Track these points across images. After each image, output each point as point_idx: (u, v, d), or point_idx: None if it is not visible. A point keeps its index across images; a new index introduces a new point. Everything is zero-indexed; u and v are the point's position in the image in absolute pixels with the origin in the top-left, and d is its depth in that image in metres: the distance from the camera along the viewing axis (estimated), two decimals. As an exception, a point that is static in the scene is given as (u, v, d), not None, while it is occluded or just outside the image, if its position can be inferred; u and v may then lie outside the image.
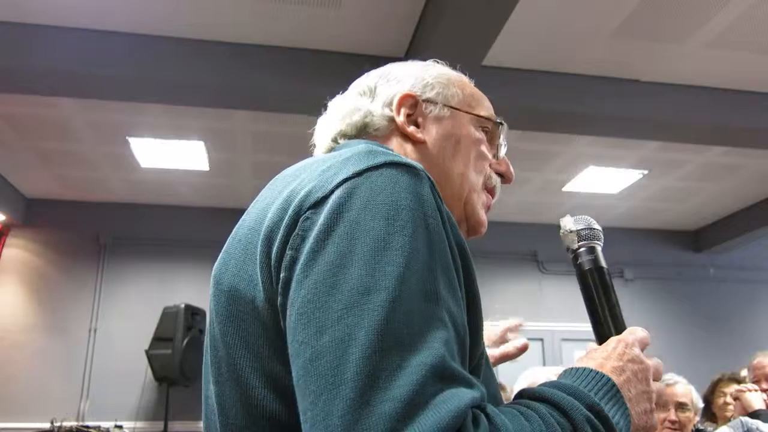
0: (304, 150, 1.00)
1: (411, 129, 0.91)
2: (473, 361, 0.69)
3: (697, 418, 2.90)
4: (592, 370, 0.71)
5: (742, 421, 2.59)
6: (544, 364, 6.02)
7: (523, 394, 0.68)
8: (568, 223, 0.90)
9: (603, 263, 0.87)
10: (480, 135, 0.94)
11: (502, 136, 0.97)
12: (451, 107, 0.93)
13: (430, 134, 0.91)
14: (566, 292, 6.37)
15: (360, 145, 0.78)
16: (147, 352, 5.47)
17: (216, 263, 0.78)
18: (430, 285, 0.61)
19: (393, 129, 0.91)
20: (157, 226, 6.29)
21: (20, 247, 6.09)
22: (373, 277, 0.59)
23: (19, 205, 6.11)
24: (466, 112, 0.93)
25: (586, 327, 0.88)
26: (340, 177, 0.67)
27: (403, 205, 0.64)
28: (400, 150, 0.89)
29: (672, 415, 2.78)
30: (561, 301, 6.46)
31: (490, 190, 0.96)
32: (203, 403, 0.79)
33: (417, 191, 0.66)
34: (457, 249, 0.69)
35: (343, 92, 0.98)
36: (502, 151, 0.97)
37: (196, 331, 5.46)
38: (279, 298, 0.66)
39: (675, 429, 2.77)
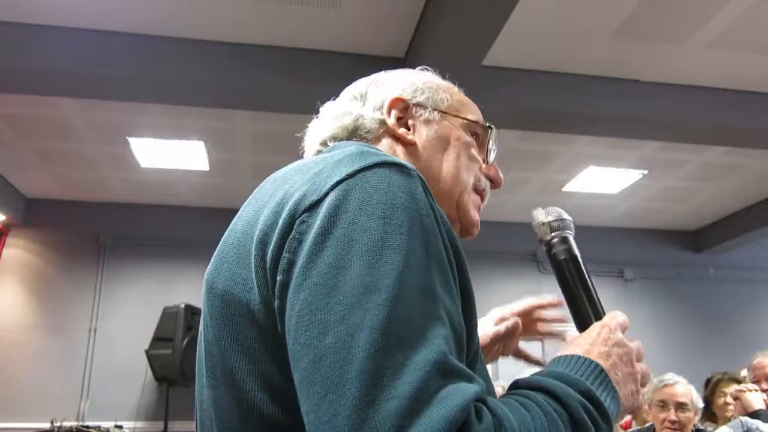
0: (305, 150, 1.00)
1: (402, 131, 0.92)
2: (469, 356, 0.69)
3: (697, 418, 2.90)
4: (580, 356, 0.73)
5: (742, 421, 2.59)
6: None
7: (518, 384, 0.69)
8: (539, 215, 0.92)
9: (576, 252, 0.89)
10: (469, 139, 0.95)
11: (491, 141, 0.98)
12: (441, 111, 0.94)
13: (421, 136, 0.92)
14: (566, 292, 6.35)
15: (350, 147, 0.78)
16: (147, 352, 5.47)
17: (208, 267, 0.78)
18: (428, 283, 0.62)
19: (383, 131, 0.92)
20: (156, 226, 6.29)
21: (20, 247, 6.09)
22: (373, 277, 0.60)
23: (19, 205, 6.11)
24: (455, 116, 0.95)
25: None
26: (334, 179, 0.68)
27: (398, 204, 0.65)
28: (391, 151, 0.90)
29: (672, 415, 2.78)
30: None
31: (480, 192, 0.97)
32: (197, 408, 0.79)
33: (410, 190, 0.67)
34: (451, 247, 0.70)
35: (335, 98, 0.99)
36: (492, 156, 0.99)
37: (196, 331, 5.45)
38: (276, 302, 0.66)
39: (675, 429, 2.77)
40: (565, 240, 0.90)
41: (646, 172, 5.79)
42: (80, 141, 5.08)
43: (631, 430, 4.13)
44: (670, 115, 4.40)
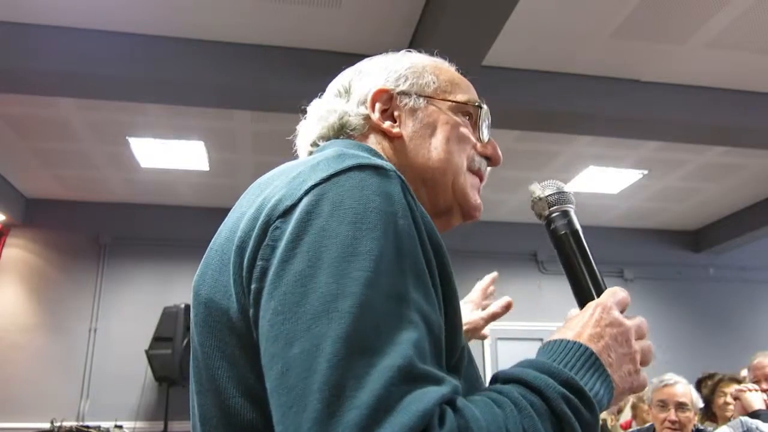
0: (305, 150, 1.00)
1: (386, 125, 0.90)
2: (453, 358, 0.69)
3: (697, 418, 2.90)
4: (568, 341, 0.71)
5: (742, 421, 2.59)
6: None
7: (497, 378, 0.68)
8: (536, 190, 0.88)
9: (577, 226, 0.85)
10: (459, 119, 0.92)
11: (484, 119, 0.95)
12: (427, 96, 0.92)
13: (407, 127, 0.90)
14: (566, 292, 6.30)
15: (329, 150, 0.77)
16: (147, 352, 5.47)
17: (196, 273, 0.78)
18: (400, 287, 0.61)
19: (370, 127, 0.91)
20: (157, 226, 6.29)
21: (20, 247, 6.09)
22: (340, 284, 0.59)
23: (19, 205, 6.11)
24: (442, 99, 0.92)
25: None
26: (309, 184, 0.67)
27: (371, 208, 0.64)
28: (379, 147, 0.89)
29: (672, 415, 2.79)
30: (561, 301, 6.46)
31: (476, 172, 0.94)
32: (190, 413, 0.79)
33: (386, 192, 0.66)
34: (433, 247, 0.69)
35: (321, 94, 0.98)
36: (486, 133, 0.95)
37: (196, 332, 5.46)
38: (251, 310, 0.66)
39: (675, 429, 2.77)
40: (565, 214, 0.85)
41: (646, 172, 5.79)
42: (80, 141, 5.08)
43: (631, 430, 4.13)
44: (670, 115, 4.40)
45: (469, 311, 1.20)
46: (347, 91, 0.94)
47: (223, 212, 0.81)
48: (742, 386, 2.92)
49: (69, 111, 4.60)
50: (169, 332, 5.40)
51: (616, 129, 4.59)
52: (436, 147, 0.89)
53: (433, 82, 0.93)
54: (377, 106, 0.91)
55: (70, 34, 3.73)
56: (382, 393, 0.54)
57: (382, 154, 0.87)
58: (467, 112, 0.94)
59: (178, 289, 5.80)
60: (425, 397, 0.55)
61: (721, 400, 3.42)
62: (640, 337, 0.77)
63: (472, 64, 3.60)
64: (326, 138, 0.92)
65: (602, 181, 5.99)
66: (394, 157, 0.89)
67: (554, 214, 0.86)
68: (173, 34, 3.82)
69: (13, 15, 3.63)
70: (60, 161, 5.46)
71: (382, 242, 0.62)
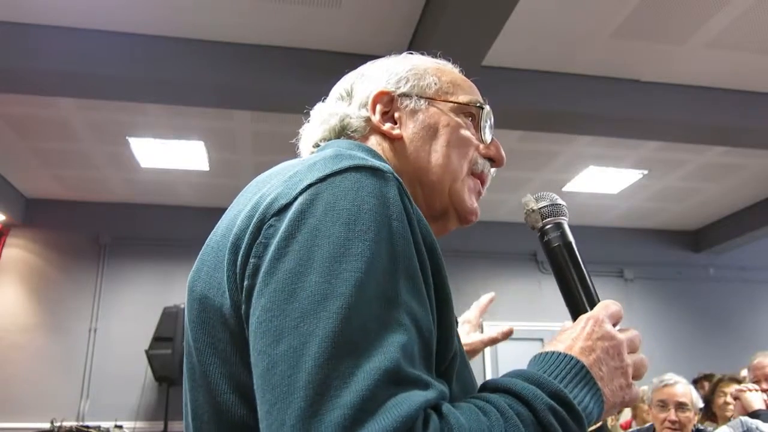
0: (305, 150, 1.00)
1: (386, 127, 0.90)
2: (444, 362, 0.68)
3: (697, 418, 2.90)
4: (560, 353, 0.71)
5: (742, 421, 2.59)
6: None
7: (486, 386, 0.68)
8: (529, 202, 0.88)
9: (571, 238, 0.85)
10: (461, 120, 0.91)
11: (486, 119, 0.95)
12: (428, 98, 0.91)
13: (407, 129, 0.90)
14: (566, 292, 6.35)
15: (327, 150, 0.78)
16: (147, 352, 5.47)
17: (192, 270, 0.79)
18: (390, 289, 0.61)
19: (370, 129, 0.91)
20: (157, 226, 6.29)
21: (20, 247, 6.09)
22: (330, 284, 0.60)
23: (19, 205, 6.11)
24: (444, 101, 0.92)
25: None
26: (304, 183, 0.67)
27: (365, 209, 0.64)
28: (379, 148, 0.89)
29: (672, 415, 2.79)
30: (561, 302, 6.43)
31: (479, 175, 0.93)
32: (183, 409, 0.79)
33: (382, 194, 0.66)
34: (428, 250, 0.69)
35: (324, 98, 0.98)
36: (488, 134, 0.94)
37: (196, 331, 5.46)
38: (243, 306, 0.66)
39: (675, 429, 2.77)
40: (558, 226, 0.85)
41: (646, 172, 5.79)
42: (80, 141, 5.08)
43: (631, 430, 4.14)
44: (670, 115, 4.40)
45: (466, 332, 1.20)
46: (349, 94, 0.95)
47: (223, 212, 0.81)
48: (742, 386, 2.92)
49: (69, 111, 4.60)
50: (169, 332, 5.41)
51: (616, 129, 4.59)
52: (435, 150, 0.89)
53: (435, 84, 0.93)
54: (378, 108, 0.91)
55: (70, 34, 3.73)
56: (367, 394, 0.54)
57: (382, 155, 0.87)
58: (470, 113, 0.93)
59: (178, 289, 5.80)
60: (410, 400, 0.55)
61: (721, 400, 3.43)
62: (633, 350, 0.76)
63: (472, 64, 3.60)
64: (327, 140, 0.92)
65: (602, 181, 5.99)
66: (394, 158, 0.89)
67: (547, 226, 0.86)
68: (173, 34, 3.82)
69: (13, 15, 3.63)
70: (60, 161, 5.46)
71: (375, 244, 0.62)
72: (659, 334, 6.88)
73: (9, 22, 3.67)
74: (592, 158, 5.54)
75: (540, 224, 0.87)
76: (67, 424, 5.36)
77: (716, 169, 5.75)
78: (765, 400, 2.76)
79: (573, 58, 4.12)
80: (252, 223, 0.68)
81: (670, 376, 2.91)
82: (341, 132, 0.92)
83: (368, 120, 0.91)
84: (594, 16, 3.68)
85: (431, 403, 0.57)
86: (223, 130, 4.93)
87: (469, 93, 0.95)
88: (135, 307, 5.99)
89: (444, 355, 0.68)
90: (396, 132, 0.90)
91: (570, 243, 0.85)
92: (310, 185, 0.67)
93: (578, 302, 0.83)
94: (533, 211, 0.87)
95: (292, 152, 1.00)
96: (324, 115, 0.94)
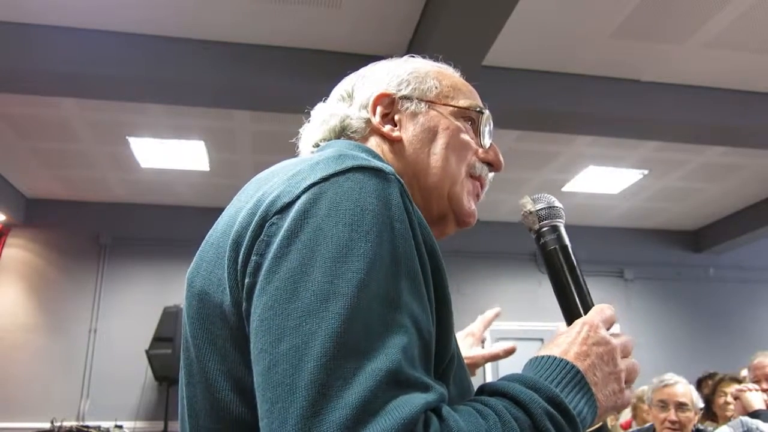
0: (305, 150, 1.00)
1: (386, 128, 0.91)
2: (442, 363, 0.69)
3: (697, 418, 2.90)
4: (555, 358, 0.71)
5: (742, 421, 2.59)
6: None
7: (483, 389, 0.68)
8: (527, 204, 0.89)
9: (567, 241, 0.86)
10: (460, 124, 0.92)
11: (486, 124, 0.95)
12: (428, 101, 0.92)
13: (407, 131, 0.91)
14: (566, 292, 6.35)
15: (329, 150, 0.78)
16: (147, 352, 5.47)
17: (190, 266, 0.79)
18: (392, 290, 0.62)
19: (370, 130, 0.91)
20: (157, 226, 6.29)
21: (20, 247, 6.09)
22: (333, 284, 0.60)
23: (19, 205, 6.11)
24: (444, 105, 0.92)
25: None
26: (307, 182, 0.67)
27: (368, 210, 0.64)
28: (378, 149, 0.90)
29: (672, 415, 2.79)
30: (561, 301, 6.45)
31: (477, 179, 0.94)
32: (179, 405, 0.79)
33: (384, 195, 0.66)
34: (428, 252, 0.69)
35: (325, 98, 0.99)
36: (487, 138, 0.95)
37: (196, 331, 5.45)
38: (244, 304, 0.66)
39: (675, 429, 2.77)
40: (554, 229, 0.86)
41: (646, 172, 5.79)
42: (80, 141, 5.08)
43: (631, 430, 4.13)
44: (670, 115, 4.40)
45: (469, 345, 1.21)
46: (350, 96, 0.95)
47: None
48: (742, 386, 2.92)
49: (69, 111, 4.60)
50: (169, 332, 5.40)
51: (616, 129, 4.59)
52: (434, 153, 0.89)
53: (436, 87, 0.93)
54: (378, 109, 0.92)
55: (70, 34, 3.73)
56: (369, 395, 0.55)
57: (382, 156, 0.87)
58: (469, 117, 0.94)
59: (178, 289, 5.79)
60: (411, 402, 0.56)
61: (721, 400, 3.43)
62: (626, 355, 0.77)
63: (472, 64, 3.60)
64: (327, 140, 0.92)
65: (602, 181, 5.99)
66: (393, 160, 0.89)
67: (544, 229, 0.87)
68: (173, 34, 3.82)
69: (13, 15, 3.63)
70: (60, 161, 5.46)
71: (377, 245, 0.63)
72: (659, 334, 6.88)
73: (9, 22, 3.67)
74: (592, 158, 5.54)
75: (537, 226, 0.87)
76: (67, 424, 5.36)
77: (716, 169, 5.75)
78: (765, 400, 2.76)
79: (573, 58, 4.12)
80: (254, 221, 0.68)
81: (670, 376, 2.91)
82: (341, 132, 0.92)
83: (368, 121, 0.91)
84: (594, 16, 3.68)
85: (431, 406, 0.58)
86: (223, 130, 4.93)
87: (469, 97, 0.95)
88: (135, 307, 5.99)
89: (442, 357, 0.69)
90: (396, 134, 0.90)
91: (566, 246, 0.85)
92: (313, 184, 0.67)
93: (573, 305, 0.83)
94: (530, 213, 0.88)
95: (292, 152, 1.00)
96: (324, 116, 0.94)
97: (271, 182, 0.73)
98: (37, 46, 3.68)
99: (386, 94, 0.92)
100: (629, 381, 0.76)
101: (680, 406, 2.80)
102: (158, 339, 5.44)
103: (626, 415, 4.56)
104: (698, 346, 6.84)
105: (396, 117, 0.92)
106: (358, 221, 0.64)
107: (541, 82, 4.22)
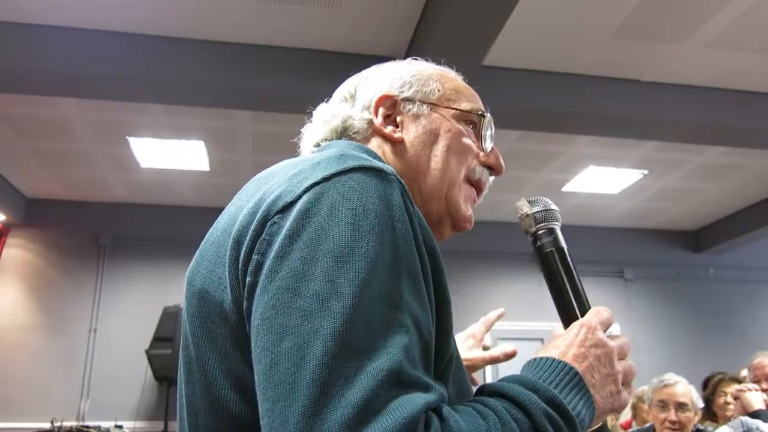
0: (305, 150, 1.00)
1: (388, 130, 0.91)
2: (442, 363, 0.69)
3: (697, 418, 2.90)
4: (554, 360, 0.72)
5: (742, 421, 2.59)
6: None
7: (483, 390, 0.69)
8: (523, 206, 0.89)
9: (563, 244, 0.86)
10: (462, 128, 0.92)
11: (487, 128, 0.96)
12: (431, 103, 0.92)
13: (409, 133, 0.91)
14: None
15: (331, 150, 0.78)
16: (147, 352, 5.47)
17: (190, 264, 0.79)
18: (394, 290, 0.62)
19: (372, 131, 0.92)
20: (157, 226, 6.29)
21: (20, 247, 6.09)
22: (335, 284, 0.60)
23: (19, 205, 6.11)
24: (446, 107, 0.93)
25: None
26: (309, 182, 0.68)
27: (370, 210, 0.65)
28: (380, 150, 0.90)
29: (672, 415, 2.79)
30: (561, 301, 6.45)
31: (476, 183, 0.95)
32: (178, 403, 0.80)
33: (385, 195, 0.67)
34: (429, 252, 0.69)
35: (328, 99, 0.99)
36: (489, 142, 0.95)
37: (196, 331, 5.45)
38: (245, 303, 0.66)
39: (675, 429, 2.77)
40: (551, 231, 0.87)
41: (646, 172, 5.79)
42: (80, 141, 5.08)
43: (631, 430, 4.14)
44: (670, 115, 4.40)
45: (469, 348, 1.21)
46: (353, 96, 0.95)
47: (223, 212, 0.81)
48: (742, 386, 2.92)
49: (69, 111, 4.60)
50: (169, 332, 5.40)
51: (616, 129, 4.59)
52: (435, 155, 0.90)
53: (438, 90, 0.94)
54: (380, 111, 0.92)
55: (70, 34, 3.73)
56: (370, 395, 0.55)
57: (383, 157, 0.87)
58: (471, 120, 0.94)
59: (178, 289, 5.79)
60: (412, 402, 0.56)
61: (721, 400, 3.43)
62: (623, 357, 0.78)
63: (472, 64, 3.60)
64: (329, 140, 0.93)
65: (602, 181, 5.99)
66: (395, 161, 0.90)
67: (540, 231, 0.87)
68: (173, 34, 3.82)
69: (13, 15, 3.63)
70: (60, 161, 5.46)
71: (378, 245, 0.63)
72: (659, 334, 6.88)
73: (9, 22, 3.67)
74: (592, 158, 5.54)
75: (533, 229, 0.88)
76: (67, 424, 5.36)
77: (716, 169, 5.75)
78: (765, 400, 2.76)
79: (573, 58, 4.12)
80: (255, 220, 0.68)
81: (670, 376, 2.91)
82: (343, 133, 0.92)
83: (370, 122, 0.92)
84: (594, 16, 3.68)
85: (432, 406, 0.58)
86: (223, 130, 4.93)
87: (471, 101, 0.96)
88: (135, 307, 5.99)
89: (441, 357, 0.69)
90: (397, 135, 0.91)
91: (562, 248, 0.86)
92: (314, 184, 0.67)
93: (569, 307, 0.83)
94: (527, 215, 0.89)
95: (293, 152, 1.00)
96: (326, 116, 0.94)
97: (272, 181, 0.73)
98: (37, 46, 3.68)
99: (389, 95, 0.92)
100: (626, 383, 0.77)
101: (680, 406, 2.80)
102: (158, 339, 5.44)
103: (626, 415, 4.56)
104: (698, 346, 6.84)
105: (398, 119, 0.92)
106: (359, 221, 0.64)
107: (541, 82, 4.22)
